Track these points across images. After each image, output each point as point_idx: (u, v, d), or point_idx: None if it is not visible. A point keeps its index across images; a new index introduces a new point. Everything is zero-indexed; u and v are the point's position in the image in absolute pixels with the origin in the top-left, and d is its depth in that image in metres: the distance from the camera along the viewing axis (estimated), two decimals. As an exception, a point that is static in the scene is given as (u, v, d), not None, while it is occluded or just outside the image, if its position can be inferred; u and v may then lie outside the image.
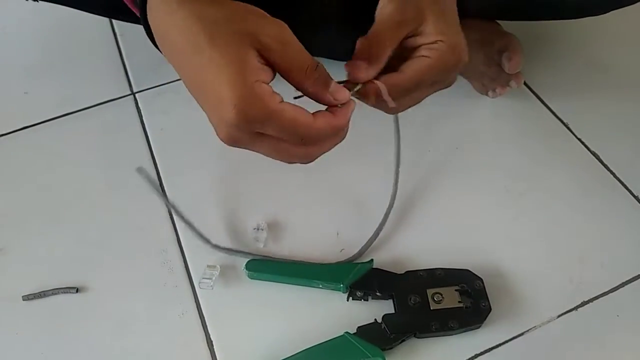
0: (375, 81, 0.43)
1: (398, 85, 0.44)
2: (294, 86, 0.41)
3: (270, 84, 0.39)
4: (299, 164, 0.44)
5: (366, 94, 0.44)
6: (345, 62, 0.44)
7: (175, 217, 0.65)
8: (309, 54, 0.40)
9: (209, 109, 0.40)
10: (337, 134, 0.42)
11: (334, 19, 0.67)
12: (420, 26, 0.44)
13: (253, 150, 0.41)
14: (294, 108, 0.39)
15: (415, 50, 0.45)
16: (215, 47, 0.37)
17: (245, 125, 0.38)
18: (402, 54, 0.45)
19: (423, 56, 0.44)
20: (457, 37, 0.45)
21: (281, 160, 0.43)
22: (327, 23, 0.67)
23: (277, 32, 0.39)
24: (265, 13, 0.40)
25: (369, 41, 0.43)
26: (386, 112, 0.47)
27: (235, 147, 0.41)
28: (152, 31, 0.42)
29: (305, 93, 0.41)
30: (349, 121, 0.42)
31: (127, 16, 0.71)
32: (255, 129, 0.39)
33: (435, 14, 0.44)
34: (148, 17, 0.42)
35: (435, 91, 0.47)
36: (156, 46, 0.43)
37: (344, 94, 0.41)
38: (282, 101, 0.39)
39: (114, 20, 0.87)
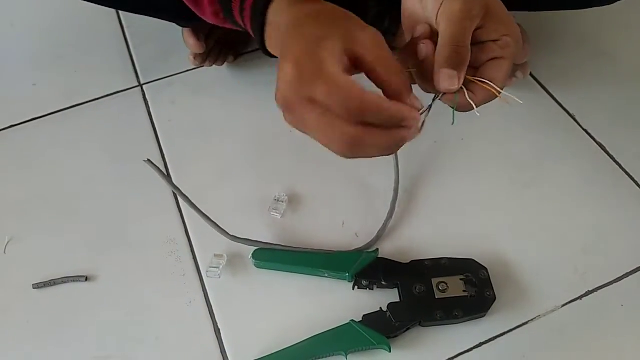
0: (487, 81, 0.43)
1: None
2: (377, 84, 0.40)
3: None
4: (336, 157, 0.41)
5: (461, 99, 0.43)
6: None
7: (183, 206, 0.66)
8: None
9: (278, 70, 0.40)
10: (387, 128, 0.39)
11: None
12: (483, 18, 0.43)
13: (301, 125, 0.40)
14: (349, 79, 0.38)
15: (483, 47, 0.44)
16: (315, 25, 0.40)
17: (298, 84, 0.38)
18: None
19: (499, 58, 0.44)
20: (517, 27, 0.45)
21: (324, 143, 0.40)
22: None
23: (373, 36, 0.40)
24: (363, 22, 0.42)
25: (450, 47, 0.42)
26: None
27: (287, 113, 0.40)
28: (266, 28, 0.45)
29: (389, 90, 0.40)
30: (404, 120, 0.39)
31: (131, 8, 0.72)
32: (306, 91, 0.38)
33: (494, 5, 0.44)
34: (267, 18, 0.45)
35: None
36: (263, 44, 0.47)
37: (419, 104, 0.41)
38: (343, 71, 0.38)
39: (121, 13, 0.88)
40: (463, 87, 0.43)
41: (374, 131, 0.39)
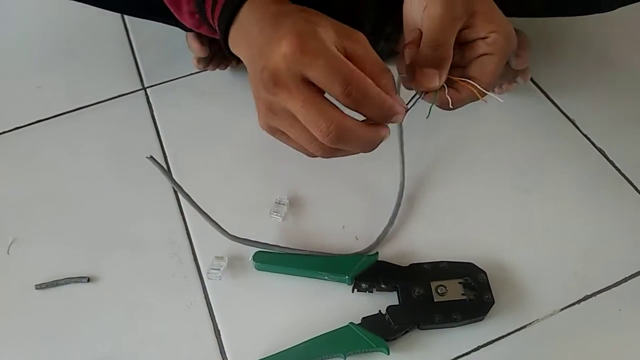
0: (469, 81, 0.44)
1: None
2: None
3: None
4: (317, 158, 0.44)
5: (442, 97, 0.45)
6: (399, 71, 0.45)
7: (184, 208, 0.66)
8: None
9: (259, 58, 0.40)
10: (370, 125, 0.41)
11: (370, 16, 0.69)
12: (470, 18, 0.44)
13: (282, 112, 0.40)
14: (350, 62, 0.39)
15: (471, 45, 0.45)
16: (305, 15, 0.40)
17: (297, 57, 0.38)
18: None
19: (486, 54, 0.44)
20: (508, 24, 0.45)
21: (304, 143, 0.41)
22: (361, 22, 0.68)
23: (362, 35, 0.41)
24: None
25: (430, 47, 0.43)
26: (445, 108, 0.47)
27: (270, 99, 0.40)
28: (233, 32, 0.45)
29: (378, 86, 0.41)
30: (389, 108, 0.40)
31: (136, 12, 0.72)
32: (305, 66, 0.38)
33: (482, 5, 0.44)
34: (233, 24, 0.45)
35: None
36: (227, 45, 0.46)
37: (403, 105, 0.42)
38: None
39: (126, 16, 0.88)
40: (446, 85, 0.44)
41: (359, 123, 0.40)
